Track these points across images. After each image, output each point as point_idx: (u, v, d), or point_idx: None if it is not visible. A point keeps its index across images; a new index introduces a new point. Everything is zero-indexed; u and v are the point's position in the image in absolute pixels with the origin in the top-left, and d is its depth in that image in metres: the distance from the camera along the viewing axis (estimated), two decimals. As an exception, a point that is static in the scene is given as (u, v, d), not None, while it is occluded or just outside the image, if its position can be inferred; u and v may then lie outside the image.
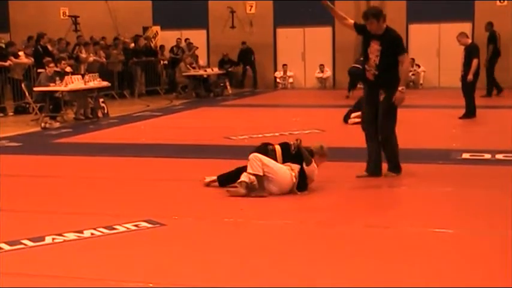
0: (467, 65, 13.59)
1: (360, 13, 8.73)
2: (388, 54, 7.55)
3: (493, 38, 19.17)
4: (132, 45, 22.13)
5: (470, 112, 13.77)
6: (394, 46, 7.57)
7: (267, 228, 6.06)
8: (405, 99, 7.70)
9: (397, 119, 7.86)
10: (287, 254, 5.28)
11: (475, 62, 13.47)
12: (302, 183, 7.20)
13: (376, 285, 4.53)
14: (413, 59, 23.12)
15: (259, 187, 7.17)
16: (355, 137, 11.59)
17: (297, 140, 7.41)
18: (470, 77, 13.51)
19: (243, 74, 24.56)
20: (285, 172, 7.17)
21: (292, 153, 7.32)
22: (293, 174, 7.17)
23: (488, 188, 7.39)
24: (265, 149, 7.42)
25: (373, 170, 7.82)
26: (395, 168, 7.94)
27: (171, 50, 23.45)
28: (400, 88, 7.56)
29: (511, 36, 22.35)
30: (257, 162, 7.14)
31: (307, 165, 7.14)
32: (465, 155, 9.33)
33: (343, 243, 5.56)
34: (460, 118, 13.44)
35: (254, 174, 7.11)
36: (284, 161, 7.32)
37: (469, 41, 14.06)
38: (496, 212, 6.40)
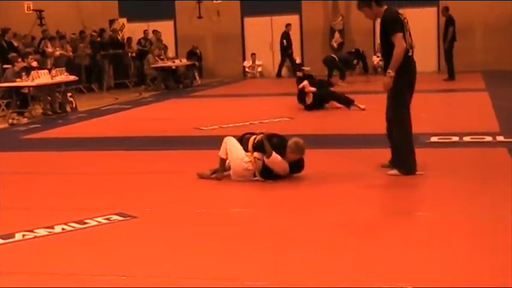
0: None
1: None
2: (385, 37, 7.20)
3: (451, 21, 19.29)
4: (99, 39, 21.94)
5: None
6: (385, 28, 7.19)
7: (238, 217, 6.08)
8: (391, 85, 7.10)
9: (408, 105, 7.32)
10: (259, 242, 5.31)
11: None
12: (266, 172, 7.30)
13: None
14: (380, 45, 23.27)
15: (219, 169, 7.45)
16: (324, 124, 11.71)
17: (262, 133, 7.55)
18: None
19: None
20: (237, 160, 7.36)
21: (257, 144, 7.42)
22: (245, 165, 7.32)
23: (457, 171, 7.49)
24: (241, 137, 7.62)
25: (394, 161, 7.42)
26: (400, 165, 7.25)
27: (139, 42, 23.29)
28: (388, 71, 7.09)
29: (476, 19, 22.66)
30: (224, 145, 7.42)
31: (267, 157, 7.24)
32: (433, 139, 9.44)
33: (302, 231, 5.61)
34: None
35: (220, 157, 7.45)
36: (255, 151, 7.39)
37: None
38: (467, 195, 6.51)
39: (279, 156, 7.23)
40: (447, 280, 4.31)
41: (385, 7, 7.29)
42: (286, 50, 23.36)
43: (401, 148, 7.26)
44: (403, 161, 7.25)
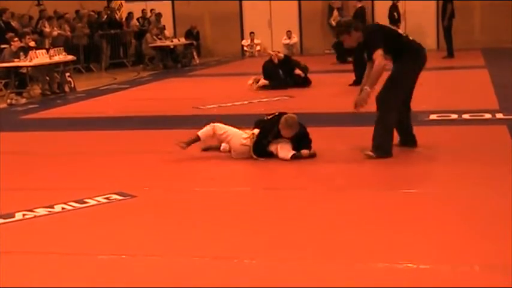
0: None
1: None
2: (369, 53, 6.99)
3: None
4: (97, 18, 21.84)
5: None
6: (367, 47, 7.04)
7: (237, 196, 6.09)
8: (367, 103, 6.96)
9: (401, 97, 7.11)
10: (256, 221, 5.33)
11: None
12: (258, 149, 7.28)
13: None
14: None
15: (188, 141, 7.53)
16: (323, 102, 11.69)
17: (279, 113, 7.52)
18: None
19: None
20: (236, 135, 7.38)
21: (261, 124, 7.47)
22: (243, 141, 7.30)
23: (456, 149, 7.50)
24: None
25: (405, 140, 7.41)
26: (376, 149, 7.04)
27: (137, 21, 23.18)
28: (365, 87, 6.92)
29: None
30: (211, 128, 7.49)
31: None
32: (432, 116, 9.43)
33: (289, 206, 5.63)
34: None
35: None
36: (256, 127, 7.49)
37: None
38: (465, 173, 6.52)
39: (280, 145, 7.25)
40: (443, 258, 4.33)
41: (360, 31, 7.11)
42: None
43: (379, 130, 7.03)
44: (379, 144, 7.04)
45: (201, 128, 7.56)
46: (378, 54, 6.82)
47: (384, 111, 7.00)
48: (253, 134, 7.32)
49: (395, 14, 21.32)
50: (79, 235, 5.13)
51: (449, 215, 5.21)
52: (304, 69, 14.07)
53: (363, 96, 6.91)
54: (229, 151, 7.50)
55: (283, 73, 13.77)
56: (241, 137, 7.35)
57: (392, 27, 7.70)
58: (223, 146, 7.59)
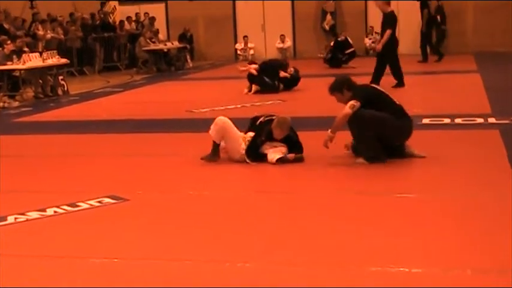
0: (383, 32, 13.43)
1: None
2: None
3: (425, 4, 19.22)
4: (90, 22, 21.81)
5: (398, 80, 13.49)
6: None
7: (231, 200, 6.10)
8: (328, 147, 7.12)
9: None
10: (250, 224, 5.33)
11: (387, 32, 13.19)
12: (252, 151, 7.28)
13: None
14: (372, 27, 23.24)
15: (212, 154, 7.36)
16: (316, 106, 11.69)
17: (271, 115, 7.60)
18: (379, 46, 13.39)
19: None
20: (235, 136, 7.36)
21: (257, 125, 7.50)
22: (242, 152, 7.30)
23: (449, 153, 7.52)
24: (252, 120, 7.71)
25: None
26: (368, 159, 7.08)
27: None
28: (328, 132, 7.10)
29: (466, 1, 22.64)
30: (216, 128, 7.31)
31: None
32: (425, 121, 9.46)
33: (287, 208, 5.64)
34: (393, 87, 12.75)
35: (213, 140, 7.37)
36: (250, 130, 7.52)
37: (389, 8, 13.60)
38: (458, 177, 6.54)
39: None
40: (435, 262, 4.34)
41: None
42: None
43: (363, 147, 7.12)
44: (369, 155, 7.07)
45: (196, 132, 7.53)
46: (350, 105, 6.95)
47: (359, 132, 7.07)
48: (249, 138, 7.34)
49: (438, 16, 21.06)
50: (71, 238, 5.13)
51: (441, 219, 5.23)
52: (295, 73, 14.13)
53: (325, 139, 7.11)
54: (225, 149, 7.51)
55: (269, 79, 13.75)
56: (241, 147, 7.31)
57: (387, 95, 7.39)
58: (222, 143, 7.51)
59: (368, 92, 7.27)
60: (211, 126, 7.37)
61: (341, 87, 7.20)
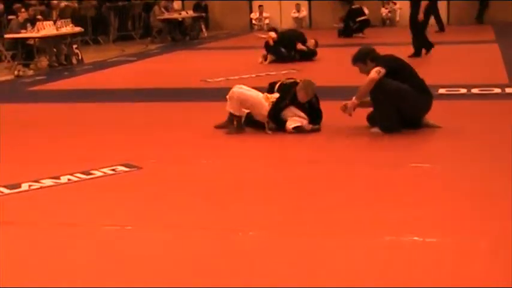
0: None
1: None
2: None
3: None
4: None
5: (416, 52, 13.31)
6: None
7: (244, 170, 6.07)
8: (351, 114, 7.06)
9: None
10: (264, 194, 5.31)
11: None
12: (275, 114, 7.24)
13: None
14: (389, -4, 22.99)
15: (237, 126, 7.28)
16: (330, 76, 11.60)
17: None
18: (421, 16, 13.11)
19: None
20: (262, 104, 7.26)
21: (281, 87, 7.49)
22: (267, 107, 7.23)
23: (464, 124, 7.45)
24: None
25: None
26: (384, 128, 7.05)
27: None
28: (353, 99, 7.02)
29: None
30: (234, 101, 7.21)
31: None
32: (441, 91, 9.35)
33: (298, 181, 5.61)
34: (409, 57, 12.21)
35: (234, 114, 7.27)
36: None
37: None
38: (473, 148, 6.48)
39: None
40: (449, 232, 4.31)
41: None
42: None
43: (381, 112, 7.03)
44: (385, 125, 7.02)
45: (210, 101, 7.47)
46: (376, 70, 6.86)
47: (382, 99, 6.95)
48: (273, 100, 7.29)
49: None
50: (84, 206, 5.13)
51: (456, 191, 5.19)
52: (315, 45, 14.02)
53: (349, 107, 7.02)
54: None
55: (286, 49, 13.67)
56: (264, 109, 7.23)
57: (411, 68, 7.33)
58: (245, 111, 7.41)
59: (393, 61, 7.17)
60: (228, 102, 7.28)
61: (365, 58, 7.13)
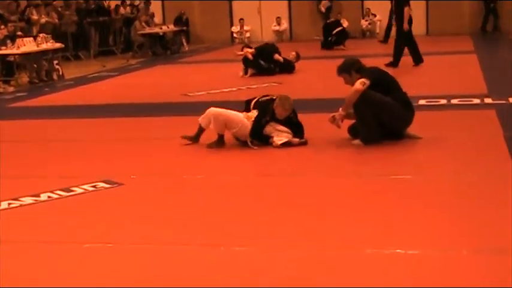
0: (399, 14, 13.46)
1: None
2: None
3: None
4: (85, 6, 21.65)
5: (395, 61, 13.51)
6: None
7: (226, 184, 6.06)
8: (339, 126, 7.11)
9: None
10: (246, 208, 5.30)
11: (406, 9, 13.26)
12: (256, 131, 7.22)
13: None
14: (369, 9, 23.16)
15: (217, 143, 7.30)
16: (312, 88, 11.65)
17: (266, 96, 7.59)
18: (405, 26, 13.32)
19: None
20: (243, 123, 7.24)
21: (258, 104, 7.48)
22: (248, 123, 7.23)
23: (445, 134, 7.49)
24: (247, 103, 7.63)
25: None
26: (364, 140, 7.07)
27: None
28: (339, 111, 7.06)
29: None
30: (221, 122, 7.22)
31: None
32: (422, 102, 9.40)
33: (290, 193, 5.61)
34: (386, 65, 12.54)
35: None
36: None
37: None
38: (455, 158, 6.51)
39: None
40: (431, 243, 4.32)
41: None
42: None
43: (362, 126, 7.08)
44: (365, 136, 7.05)
45: (191, 116, 7.46)
46: (360, 81, 6.86)
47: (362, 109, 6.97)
48: (249, 117, 7.29)
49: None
50: (65, 224, 5.09)
51: (438, 202, 5.20)
52: (297, 57, 14.09)
53: (337, 118, 7.06)
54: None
55: (265, 62, 13.71)
56: (248, 127, 7.22)
57: (395, 80, 7.33)
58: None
59: (377, 73, 7.19)
60: (211, 120, 7.23)
61: (349, 69, 7.15)
